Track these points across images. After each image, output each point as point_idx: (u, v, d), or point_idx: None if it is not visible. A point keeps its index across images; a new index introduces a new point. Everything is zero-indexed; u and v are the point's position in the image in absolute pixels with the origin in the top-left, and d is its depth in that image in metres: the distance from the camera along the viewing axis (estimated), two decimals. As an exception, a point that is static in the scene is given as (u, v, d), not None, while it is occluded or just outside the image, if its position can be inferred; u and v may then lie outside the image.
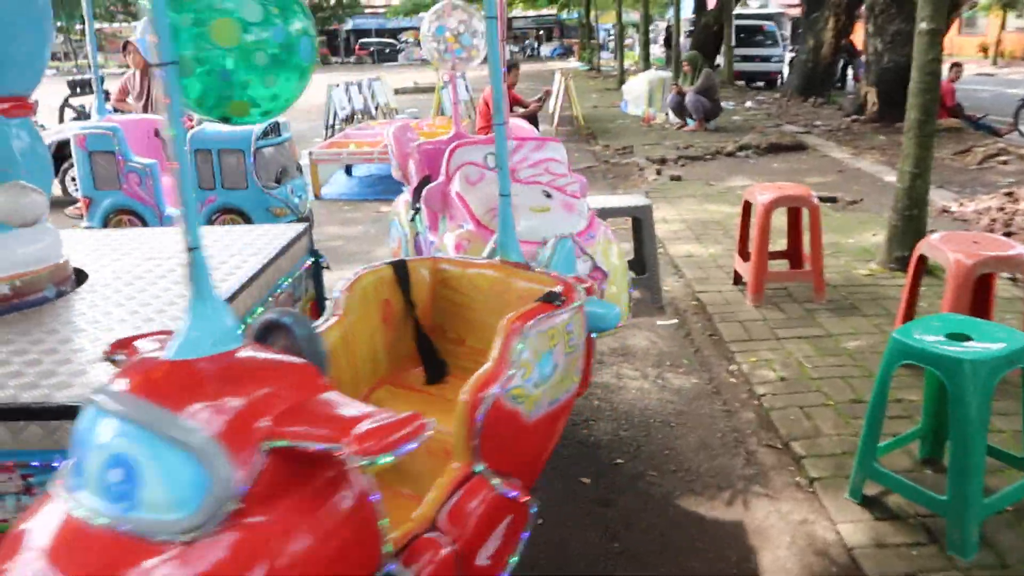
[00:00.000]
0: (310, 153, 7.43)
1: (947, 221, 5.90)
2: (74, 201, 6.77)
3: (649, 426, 3.09)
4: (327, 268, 3.45)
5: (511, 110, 8.82)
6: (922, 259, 3.31)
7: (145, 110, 6.31)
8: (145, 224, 4.90)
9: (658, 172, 8.18)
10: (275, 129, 5.01)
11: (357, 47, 50.82)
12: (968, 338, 2.29)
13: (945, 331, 2.32)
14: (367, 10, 51.88)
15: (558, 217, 2.87)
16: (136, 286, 2.56)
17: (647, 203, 4.35)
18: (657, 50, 25.68)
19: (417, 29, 50.53)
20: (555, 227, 2.70)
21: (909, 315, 3.38)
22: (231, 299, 2.45)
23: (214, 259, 2.79)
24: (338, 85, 11.31)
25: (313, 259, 3.28)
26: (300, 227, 3.19)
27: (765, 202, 4.08)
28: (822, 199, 6.71)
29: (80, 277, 2.67)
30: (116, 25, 49.96)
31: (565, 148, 3.41)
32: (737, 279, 4.50)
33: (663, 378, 3.51)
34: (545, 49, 48.23)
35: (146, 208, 4.93)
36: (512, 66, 9.03)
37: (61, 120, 7.84)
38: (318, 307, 3.40)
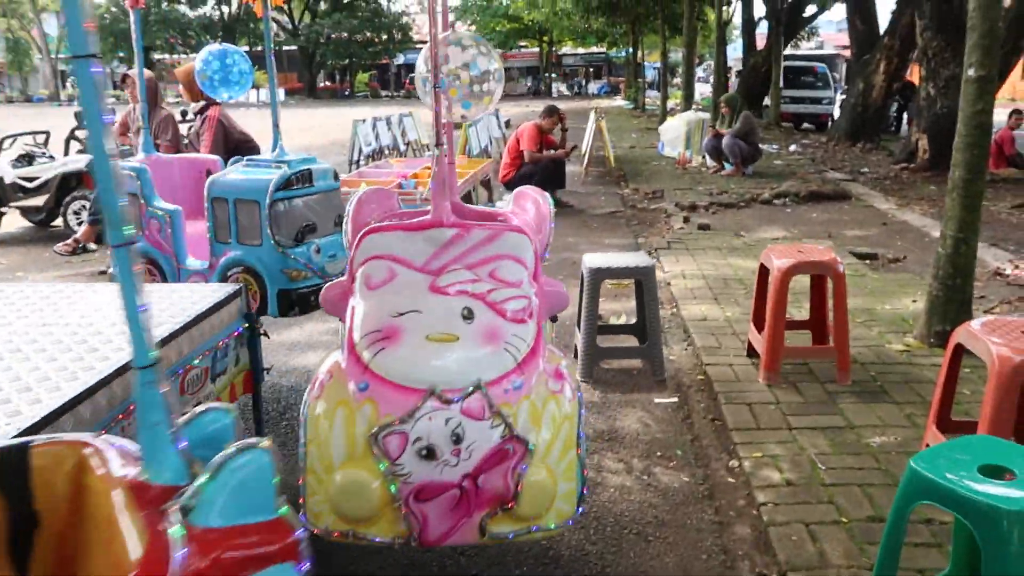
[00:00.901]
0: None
1: (1000, 286, 5.29)
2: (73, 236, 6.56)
3: (622, 538, 2.59)
4: (265, 335, 3.06)
5: (540, 151, 8.44)
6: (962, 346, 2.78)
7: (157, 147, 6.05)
8: (163, 274, 4.43)
9: (686, 220, 7.68)
10: (305, 178, 4.10)
11: (407, 81, 51.41)
12: (1009, 473, 1.77)
13: (979, 461, 1.81)
14: (419, 45, 52.51)
15: (465, 352, 2.02)
16: (34, 347, 2.19)
17: (649, 263, 3.89)
18: (706, 89, 25.23)
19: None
20: (451, 368, 1.99)
21: (944, 413, 2.84)
22: (107, 381, 2.06)
23: (104, 325, 2.41)
24: (364, 120, 11.11)
25: (246, 325, 2.89)
26: (228, 289, 2.80)
27: (782, 268, 3.58)
28: (860, 255, 6.19)
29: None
30: (175, 56, 51.48)
31: (547, 229, 2.74)
32: (751, 351, 3.98)
33: (650, 473, 3.01)
34: (593, 87, 48.13)
35: (164, 257, 4.42)
36: (551, 112, 8.66)
37: (66, 152, 7.70)
38: (253, 379, 3.01)
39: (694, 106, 15.44)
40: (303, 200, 4.11)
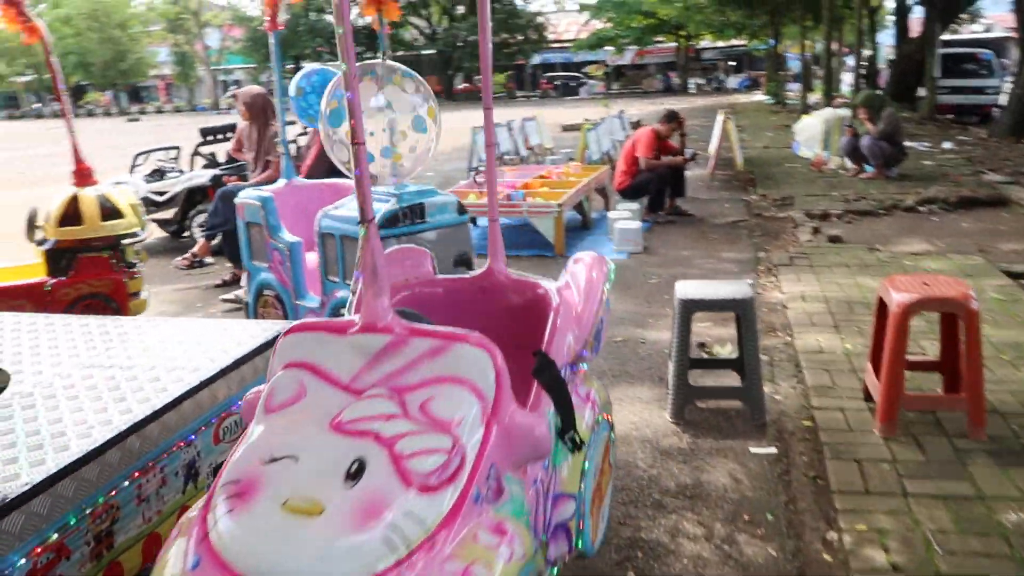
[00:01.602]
0: (424, 204, 7.07)
1: None
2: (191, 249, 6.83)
3: (688, 625, 2.29)
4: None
5: (658, 158, 8.06)
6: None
7: (255, 165, 6.22)
8: (284, 309, 4.39)
9: (815, 230, 7.09)
10: (416, 213, 3.67)
11: (543, 81, 51.56)
12: None
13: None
14: (554, 44, 52.52)
15: (323, 535, 1.38)
16: (48, 403, 2.17)
17: (748, 295, 3.50)
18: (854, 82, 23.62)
19: (601, 62, 50.56)
20: (294, 559, 1.35)
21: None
22: (139, 426, 2.00)
23: (144, 365, 2.35)
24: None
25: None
26: (278, 328, 2.70)
27: (902, 305, 3.12)
28: (1014, 275, 5.44)
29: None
30: (324, 63, 53.99)
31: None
32: (868, 395, 3.52)
33: (733, 542, 2.67)
34: (732, 81, 46.40)
35: (285, 291, 4.36)
36: (671, 118, 8.25)
37: (192, 167, 8.05)
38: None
39: (839, 100, 14.42)
40: (410, 239, 3.62)
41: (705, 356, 4.29)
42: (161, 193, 7.39)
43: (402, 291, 2.41)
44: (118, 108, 54.72)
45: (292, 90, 4.76)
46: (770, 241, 7.03)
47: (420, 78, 2.71)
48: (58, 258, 4.19)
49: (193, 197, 7.34)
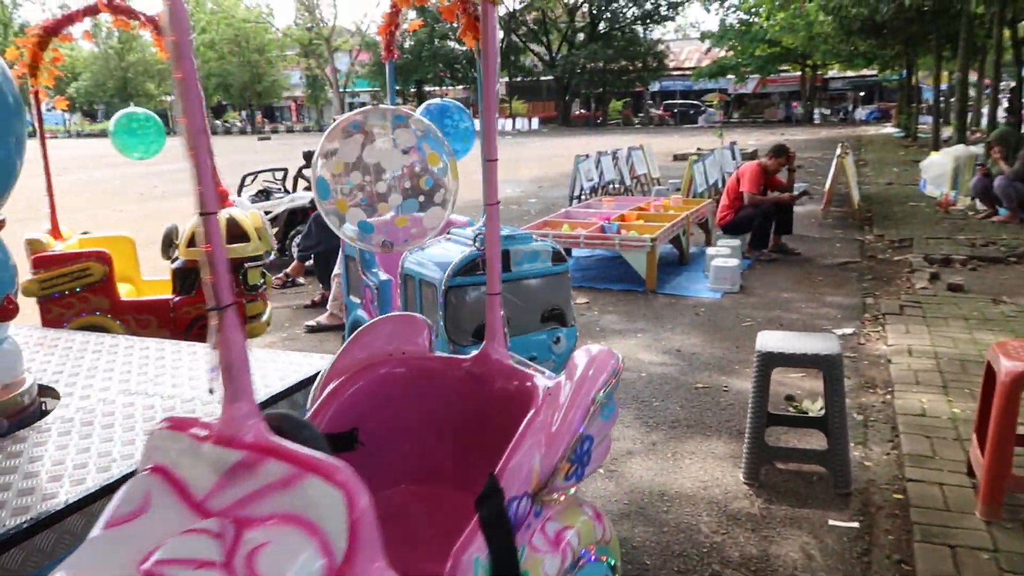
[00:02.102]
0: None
1: None
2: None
3: None
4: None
5: (764, 194, 7.73)
6: None
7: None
8: None
9: (933, 277, 6.55)
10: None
11: (661, 108, 51.04)
12: None
13: None
14: (674, 72, 51.96)
15: None
16: (84, 431, 2.18)
17: (835, 352, 3.20)
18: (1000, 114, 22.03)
19: (722, 91, 49.51)
20: None
21: None
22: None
23: (185, 395, 2.34)
24: (586, 157, 10.93)
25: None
26: (324, 362, 2.65)
27: (1012, 374, 2.76)
28: None
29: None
30: (444, 88, 55.40)
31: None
32: (972, 471, 3.15)
33: (795, 629, 2.40)
34: (860, 112, 44.44)
35: None
36: (779, 152, 7.90)
37: (294, 189, 8.30)
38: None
39: (976, 136, 13.45)
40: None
41: (791, 411, 3.98)
42: (265, 213, 7.64)
43: (384, 366, 2.08)
44: (252, 127, 57.94)
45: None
46: (881, 286, 6.55)
47: (427, 123, 2.27)
48: (184, 277, 4.25)
49: (293, 218, 7.55)
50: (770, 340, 3.35)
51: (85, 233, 4.60)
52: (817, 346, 3.25)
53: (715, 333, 5.38)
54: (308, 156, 8.16)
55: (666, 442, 3.72)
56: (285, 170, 8.38)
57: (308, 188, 8.01)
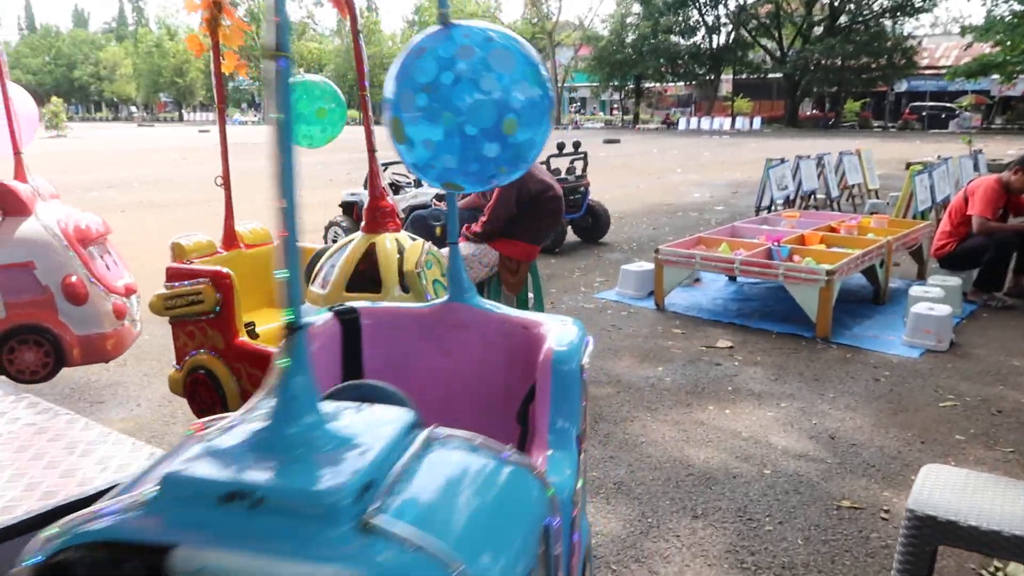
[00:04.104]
0: (657, 251, 5.76)
1: None
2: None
3: None
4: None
5: (1002, 219, 5.92)
6: None
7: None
8: None
9: None
10: None
11: (906, 111, 45.78)
12: None
13: None
14: (925, 71, 46.34)
15: None
16: None
17: None
18: None
19: (983, 93, 43.49)
20: None
21: None
22: None
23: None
24: (780, 161, 9.28)
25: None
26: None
27: None
28: None
29: None
30: (664, 84, 53.52)
31: None
32: None
33: None
34: None
35: None
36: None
37: (419, 184, 7.55)
38: None
39: None
40: None
41: (982, 581, 2.51)
42: (389, 208, 6.97)
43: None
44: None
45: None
46: None
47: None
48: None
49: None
50: (937, 489, 1.97)
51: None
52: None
53: (895, 413, 3.87)
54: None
55: (760, 606, 2.43)
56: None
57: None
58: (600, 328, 5.33)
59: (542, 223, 4.70)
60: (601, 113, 60.51)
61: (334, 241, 7.40)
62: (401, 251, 2.87)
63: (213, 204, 12.10)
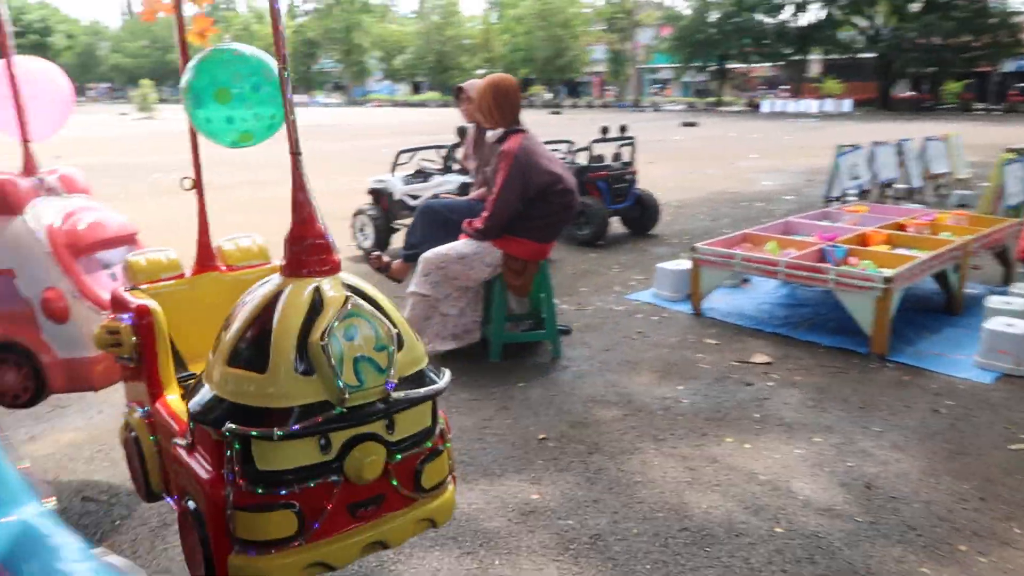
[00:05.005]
0: (693, 248, 5.16)
1: None
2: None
3: None
4: None
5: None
6: None
7: (478, 171, 4.98)
8: None
9: None
10: None
11: (1013, 93, 42.75)
12: None
13: None
14: (1037, 49, 43.10)
15: None
16: None
17: None
18: None
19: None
20: None
21: None
22: None
23: None
24: (851, 148, 8.45)
25: None
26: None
27: None
28: None
29: None
30: (749, 65, 51.52)
31: None
32: None
33: None
34: None
35: None
36: None
37: (447, 171, 7.09)
38: None
39: None
40: None
41: None
42: (415, 197, 6.57)
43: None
44: (555, 101, 58.82)
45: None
46: None
47: None
48: None
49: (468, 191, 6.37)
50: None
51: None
52: None
53: (953, 457, 3.22)
54: (463, 133, 6.98)
55: None
56: (448, 147, 7.21)
57: (461, 170, 6.78)
58: (624, 336, 4.79)
59: (551, 219, 4.20)
60: (682, 96, 58.81)
61: (361, 231, 7.04)
62: (316, 309, 1.81)
63: (269, 187, 11.99)
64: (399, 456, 1.87)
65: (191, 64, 2.34)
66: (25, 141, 3.22)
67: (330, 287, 1.85)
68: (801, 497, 2.92)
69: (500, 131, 4.23)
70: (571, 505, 2.87)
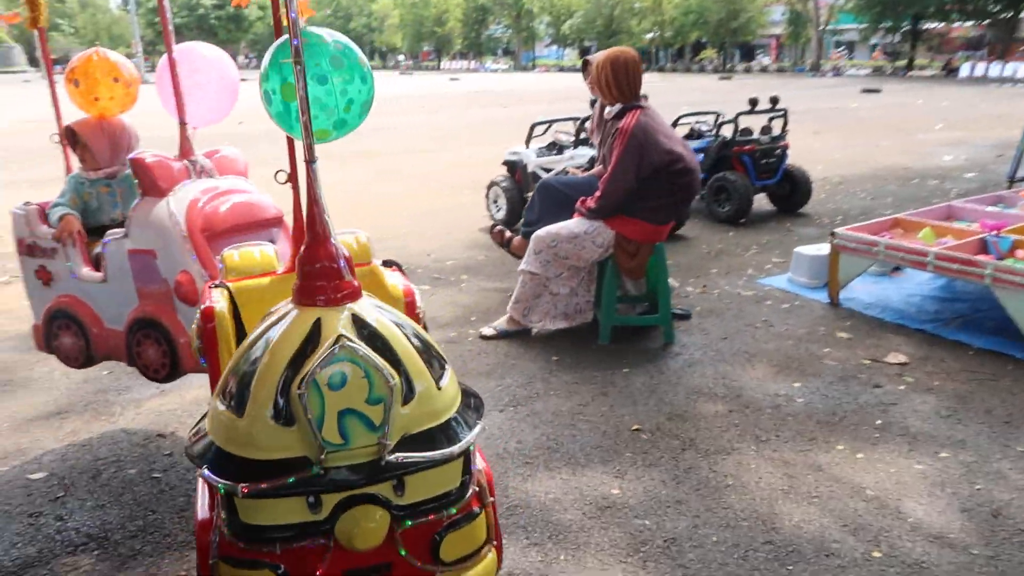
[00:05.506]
0: (832, 234, 4.76)
1: None
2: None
3: None
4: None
5: None
6: None
7: (600, 147, 4.84)
8: None
9: None
10: None
11: None
12: None
13: None
14: None
15: None
16: None
17: None
18: None
19: None
20: None
21: None
22: None
23: None
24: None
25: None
26: None
27: None
28: None
29: None
30: (951, 24, 46.82)
31: None
32: None
33: None
34: None
35: None
36: None
37: (579, 144, 6.90)
38: None
39: None
40: None
41: None
42: (547, 170, 6.49)
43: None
44: (724, 65, 56.40)
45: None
46: None
47: None
48: None
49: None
50: None
51: None
52: None
53: (1105, 489, 2.80)
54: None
55: None
56: (578, 120, 7.03)
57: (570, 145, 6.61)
58: (746, 324, 4.52)
59: (669, 200, 4.01)
60: (867, 59, 54.53)
61: (495, 203, 7.07)
62: (311, 346, 1.53)
63: (420, 155, 12.33)
64: (409, 523, 1.56)
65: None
66: (182, 124, 3.30)
67: (333, 321, 1.55)
68: (911, 519, 2.64)
69: (618, 107, 4.07)
70: (651, 504, 2.75)
